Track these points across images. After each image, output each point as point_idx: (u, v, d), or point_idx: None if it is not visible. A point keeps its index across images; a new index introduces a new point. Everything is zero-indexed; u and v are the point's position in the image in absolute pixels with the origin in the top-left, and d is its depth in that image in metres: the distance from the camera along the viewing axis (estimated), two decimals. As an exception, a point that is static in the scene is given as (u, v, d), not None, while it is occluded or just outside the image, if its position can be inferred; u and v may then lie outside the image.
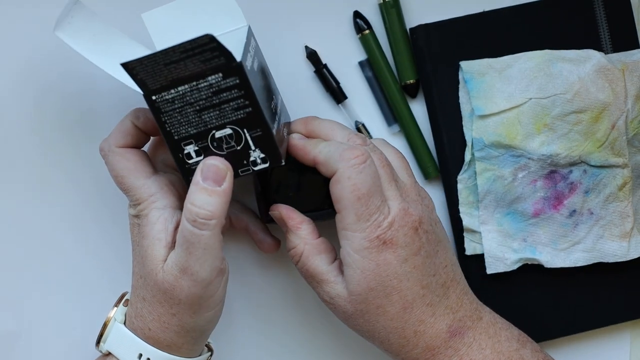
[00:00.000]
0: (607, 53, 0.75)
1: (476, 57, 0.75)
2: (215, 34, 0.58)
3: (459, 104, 0.75)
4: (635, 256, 0.75)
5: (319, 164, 0.67)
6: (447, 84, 0.75)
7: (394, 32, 0.76)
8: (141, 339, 0.66)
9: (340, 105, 0.76)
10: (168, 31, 0.69)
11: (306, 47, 0.76)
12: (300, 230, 0.68)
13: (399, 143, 0.77)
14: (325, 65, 0.76)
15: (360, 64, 0.77)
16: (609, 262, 0.75)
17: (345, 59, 0.77)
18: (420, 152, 0.76)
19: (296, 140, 0.69)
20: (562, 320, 0.76)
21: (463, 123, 0.74)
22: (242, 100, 0.62)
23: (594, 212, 0.75)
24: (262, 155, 0.64)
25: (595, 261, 0.75)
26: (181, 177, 0.67)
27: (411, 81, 0.76)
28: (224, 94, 0.62)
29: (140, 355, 0.66)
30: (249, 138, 0.64)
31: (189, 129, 0.63)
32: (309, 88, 0.76)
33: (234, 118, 0.63)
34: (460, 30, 0.75)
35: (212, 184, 0.62)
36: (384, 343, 0.67)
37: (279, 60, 0.76)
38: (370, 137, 0.76)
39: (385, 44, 0.77)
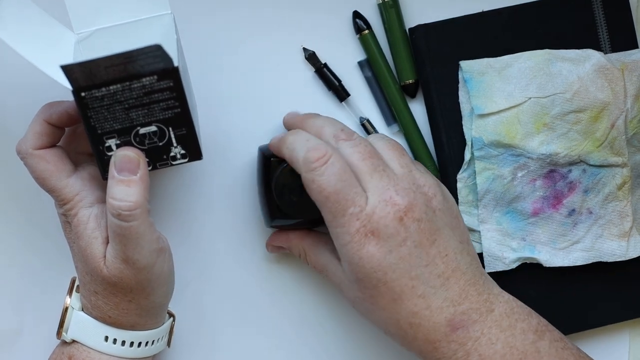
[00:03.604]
0: (606, 53, 0.76)
1: (475, 57, 0.75)
2: (137, 18, 0.56)
3: (458, 103, 0.75)
4: (634, 255, 0.75)
5: (289, 162, 0.68)
6: (446, 84, 0.75)
7: (393, 32, 0.76)
8: (103, 324, 0.67)
9: (343, 103, 0.76)
10: (87, 9, 0.67)
11: (304, 49, 0.76)
12: (293, 240, 0.73)
13: (399, 142, 0.76)
14: (325, 65, 0.76)
15: (360, 64, 0.77)
16: (608, 261, 0.75)
17: (345, 59, 0.76)
18: (419, 152, 0.76)
19: (274, 141, 0.70)
20: (561, 320, 0.76)
21: (463, 122, 0.75)
22: (172, 101, 0.62)
23: (593, 212, 0.75)
24: (182, 152, 0.65)
25: (594, 260, 0.75)
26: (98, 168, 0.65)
27: (410, 81, 0.76)
28: (156, 95, 0.62)
29: (107, 337, 0.67)
30: (172, 136, 0.64)
31: (114, 125, 0.63)
32: (310, 88, 0.76)
33: (161, 117, 0.63)
34: (459, 30, 0.75)
35: (127, 174, 0.63)
36: (387, 333, 0.67)
37: (279, 61, 0.76)
38: (376, 132, 0.76)
39: (385, 44, 0.77)
